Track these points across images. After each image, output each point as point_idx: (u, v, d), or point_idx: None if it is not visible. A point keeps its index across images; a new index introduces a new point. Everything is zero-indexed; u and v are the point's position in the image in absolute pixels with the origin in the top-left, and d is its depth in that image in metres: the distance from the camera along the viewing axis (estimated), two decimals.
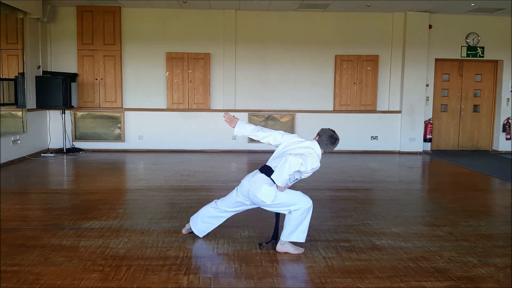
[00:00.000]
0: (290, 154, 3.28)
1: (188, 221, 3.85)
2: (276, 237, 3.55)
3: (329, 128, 3.54)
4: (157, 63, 9.10)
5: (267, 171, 3.42)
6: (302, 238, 3.42)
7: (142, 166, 7.77)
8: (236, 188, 3.60)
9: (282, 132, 3.59)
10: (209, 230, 3.73)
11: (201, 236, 3.74)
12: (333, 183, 6.46)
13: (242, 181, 3.56)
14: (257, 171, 3.51)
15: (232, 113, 3.67)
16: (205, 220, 3.71)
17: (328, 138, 3.46)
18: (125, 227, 4.07)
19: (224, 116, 3.60)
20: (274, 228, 3.60)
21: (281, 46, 9.25)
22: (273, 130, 3.60)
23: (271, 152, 3.68)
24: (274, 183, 3.32)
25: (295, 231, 3.39)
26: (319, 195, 5.57)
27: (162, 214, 4.56)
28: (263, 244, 3.58)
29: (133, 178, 7.12)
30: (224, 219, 3.72)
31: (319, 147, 3.43)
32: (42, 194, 5.42)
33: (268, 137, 3.56)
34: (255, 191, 3.36)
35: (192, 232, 3.80)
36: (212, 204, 3.73)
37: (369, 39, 9.30)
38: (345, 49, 9.30)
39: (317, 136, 3.53)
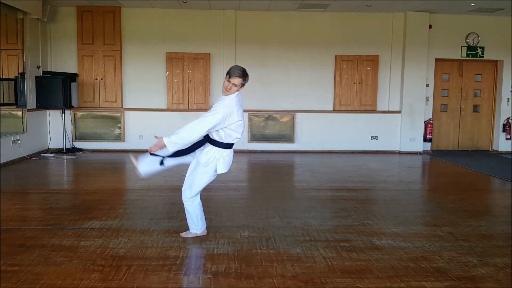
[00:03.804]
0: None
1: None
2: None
3: (240, 72, 3.50)
4: (157, 63, 9.10)
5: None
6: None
7: None
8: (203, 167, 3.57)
9: (213, 118, 3.36)
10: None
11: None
12: (333, 183, 6.46)
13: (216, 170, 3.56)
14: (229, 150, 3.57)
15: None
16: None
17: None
18: (125, 227, 4.07)
19: (151, 150, 3.37)
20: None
21: (281, 46, 9.25)
22: (204, 122, 3.35)
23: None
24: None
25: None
26: (319, 195, 5.59)
27: (162, 214, 4.56)
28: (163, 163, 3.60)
29: (133, 178, 7.10)
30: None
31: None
32: (42, 194, 5.42)
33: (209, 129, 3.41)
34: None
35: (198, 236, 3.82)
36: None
37: (369, 39, 9.30)
38: (345, 49, 9.30)
39: (241, 86, 3.55)
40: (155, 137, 3.34)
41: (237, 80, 3.44)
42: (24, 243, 3.59)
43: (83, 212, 4.55)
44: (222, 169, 3.54)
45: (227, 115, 3.38)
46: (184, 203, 3.70)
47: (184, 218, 4.29)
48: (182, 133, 3.31)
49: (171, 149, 3.29)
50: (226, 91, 3.48)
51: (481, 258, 3.43)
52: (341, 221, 4.37)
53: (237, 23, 9.13)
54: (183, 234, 3.81)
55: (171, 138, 3.28)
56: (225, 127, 3.43)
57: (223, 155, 3.52)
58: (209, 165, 3.52)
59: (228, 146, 3.53)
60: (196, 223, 3.74)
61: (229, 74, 3.46)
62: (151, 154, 3.50)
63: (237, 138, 3.52)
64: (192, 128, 3.33)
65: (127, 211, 4.75)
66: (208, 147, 3.54)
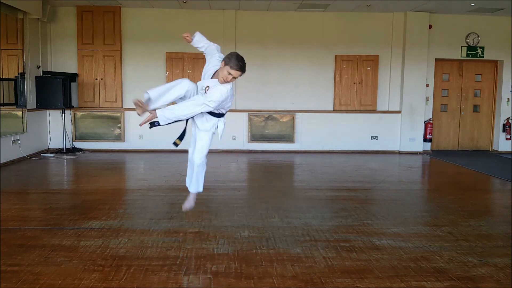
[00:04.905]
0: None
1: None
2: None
3: (241, 65, 3.41)
4: (157, 63, 9.10)
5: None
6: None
7: (142, 166, 7.77)
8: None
9: (209, 104, 3.41)
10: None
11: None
12: (333, 183, 6.46)
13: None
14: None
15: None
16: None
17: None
18: (125, 227, 4.07)
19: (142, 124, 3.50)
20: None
21: (281, 46, 9.24)
22: (200, 107, 3.41)
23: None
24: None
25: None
26: (319, 195, 5.59)
27: (162, 214, 4.56)
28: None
29: (133, 178, 7.12)
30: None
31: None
32: (42, 194, 5.42)
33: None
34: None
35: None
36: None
37: (369, 39, 9.30)
38: (345, 49, 9.30)
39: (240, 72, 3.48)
40: (149, 111, 3.44)
41: (237, 73, 3.44)
42: (24, 243, 3.59)
43: (83, 212, 4.55)
44: (220, 133, 3.71)
45: (221, 101, 3.49)
46: (199, 165, 3.74)
47: (184, 218, 4.31)
48: (177, 110, 3.43)
49: (162, 123, 3.43)
50: (224, 81, 3.44)
51: (481, 258, 3.43)
52: (341, 221, 4.37)
53: (237, 23, 9.13)
54: (186, 207, 3.85)
55: (165, 112, 3.42)
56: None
57: (225, 122, 3.75)
58: (211, 129, 3.70)
59: (223, 114, 3.72)
60: (203, 181, 3.84)
61: (230, 65, 3.37)
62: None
63: (228, 107, 3.71)
64: (188, 108, 3.44)
65: (127, 211, 4.76)
66: (209, 116, 3.67)
